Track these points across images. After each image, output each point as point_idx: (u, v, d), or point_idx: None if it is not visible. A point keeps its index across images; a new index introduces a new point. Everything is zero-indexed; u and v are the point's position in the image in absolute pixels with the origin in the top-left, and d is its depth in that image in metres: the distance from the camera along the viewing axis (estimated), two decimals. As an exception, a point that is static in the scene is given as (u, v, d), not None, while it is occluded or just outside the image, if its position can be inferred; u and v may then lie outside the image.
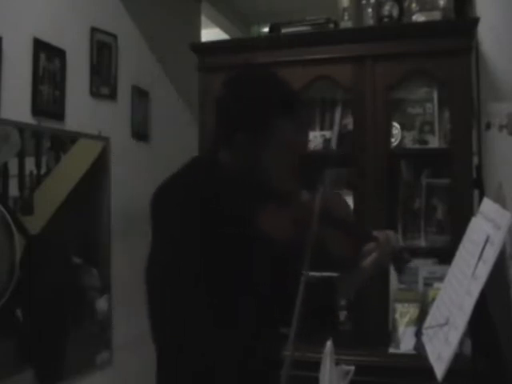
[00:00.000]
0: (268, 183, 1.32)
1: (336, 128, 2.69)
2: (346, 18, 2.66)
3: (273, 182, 1.32)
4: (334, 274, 1.42)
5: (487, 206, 1.36)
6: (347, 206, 1.55)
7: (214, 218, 1.22)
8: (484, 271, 1.16)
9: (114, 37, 2.71)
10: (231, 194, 1.30)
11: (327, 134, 2.69)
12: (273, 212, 1.31)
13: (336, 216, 1.40)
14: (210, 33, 3.89)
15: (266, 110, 1.29)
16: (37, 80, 2.20)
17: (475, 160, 2.45)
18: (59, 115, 2.34)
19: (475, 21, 2.43)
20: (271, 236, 1.28)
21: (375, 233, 1.43)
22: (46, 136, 2.25)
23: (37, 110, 2.20)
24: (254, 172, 1.31)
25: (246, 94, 1.32)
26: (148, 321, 1.28)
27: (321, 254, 1.29)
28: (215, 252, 1.20)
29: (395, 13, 2.59)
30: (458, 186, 2.40)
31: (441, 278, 2.00)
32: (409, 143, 2.57)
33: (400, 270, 1.68)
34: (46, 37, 2.27)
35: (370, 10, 2.62)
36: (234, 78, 1.38)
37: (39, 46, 2.22)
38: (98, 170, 2.55)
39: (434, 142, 2.54)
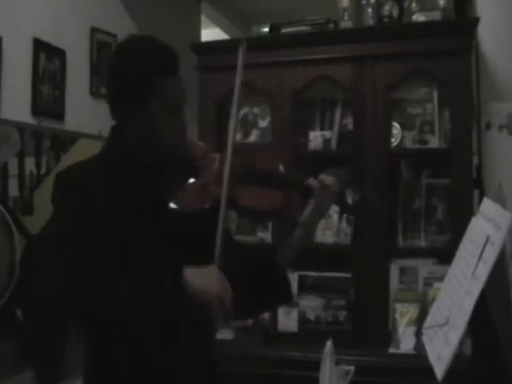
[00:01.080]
0: (168, 146, 1.29)
1: (336, 128, 2.69)
2: (346, 17, 2.66)
3: (172, 143, 1.30)
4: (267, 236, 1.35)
5: (487, 206, 1.36)
6: (273, 159, 1.49)
7: (114, 193, 1.22)
8: (484, 271, 1.16)
9: (114, 37, 2.71)
10: (130, 168, 1.29)
11: (327, 133, 2.69)
12: (177, 181, 1.29)
13: (258, 171, 1.35)
14: (210, 33, 3.89)
15: (144, 73, 1.28)
16: (37, 80, 2.20)
17: (475, 160, 2.45)
18: (59, 115, 2.34)
19: (475, 21, 2.43)
20: (179, 207, 1.26)
21: (311, 180, 1.36)
22: (46, 136, 2.25)
23: (37, 110, 2.20)
24: (152, 138, 1.29)
25: (124, 62, 1.32)
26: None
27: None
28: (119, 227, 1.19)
29: (395, 13, 2.59)
30: (458, 186, 2.40)
31: (441, 278, 2.00)
32: (409, 143, 2.57)
33: (350, 215, 1.56)
34: (46, 37, 2.27)
35: (370, 9, 2.62)
36: (114, 51, 1.39)
37: (39, 46, 2.22)
38: (98, 169, 2.55)
39: (434, 142, 2.54)
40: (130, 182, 1.27)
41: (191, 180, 1.32)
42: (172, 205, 1.26)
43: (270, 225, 2.59)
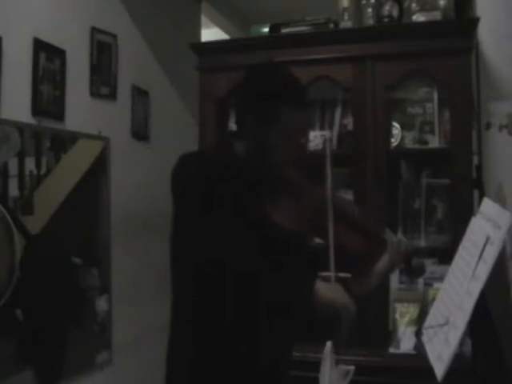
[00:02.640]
0: (277, 172, 1.40)
1: (336, 128, 2.69)
2: (345, 18, 2.66)
3: (281, 171, 1.40)
4: (348, 275, 1.45)
5: (487, 206, 1.36)
6: (352, 204, 1.59)
7: (227, 199, 1.32)
8: (484, 271, 1.16)
9: (114, 37, 2.71)
10: (242, 180, 1.38)
11: (327, 133, 2.68)
12: (282, 202, 1.37)
13: (345, 213, 1.42)
14: (210, 33, 3.89)
15: (273, 98, 1.38)
16: (37, 80, 2.20)
17: (475, 160, 2.45)
18: (59, 115, 2.34)
19: (475, 21, 2.43)
20: (278, 225, 1.33)
21: (388, 235, 1.48)
22: (46, 136, 2.25)
23: (37, 110, 2.20)
24: (264, 160, 1.39)
25: (256, 85, 1.44)
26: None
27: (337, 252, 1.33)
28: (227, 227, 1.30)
29: (395, 13, 2.59)
30: (458, 186, 2.40)
31: (441, 278, 2.00)
32: (409, 143, 2.58)
33: (413, 276, 1.74)
34: (46, 37, 2.27)
35: (369, 9, 2.62)
36: (249, 73, 1.49)
37: (39, 45, 2.22)
38: (98, 170, 2.56)
39: (434, 142, 2.54)
40: (238, 189, 1.36)
41: (294, 203, 1.40)
42: (275, 219, 1.34)
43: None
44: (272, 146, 1.39)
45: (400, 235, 1.55)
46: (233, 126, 1.51)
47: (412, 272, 1.67)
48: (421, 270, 1.59)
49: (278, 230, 1.33)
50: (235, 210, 1.32)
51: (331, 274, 1.32)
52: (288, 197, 1.39)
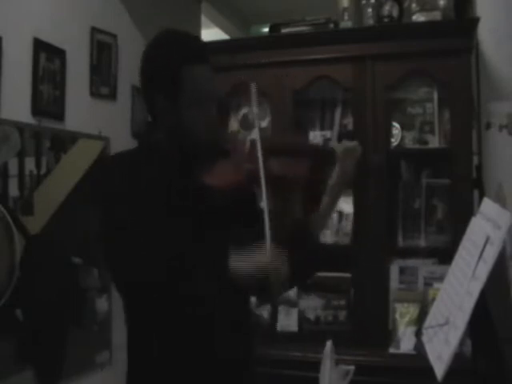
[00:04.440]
0: (197, 137, 1.33)
1: (336, 128, 2.69)
2: (345, 18, 2.66)
3: (202, 134, 1.34)
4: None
5: (487, 206, 1.36)
6: (290, 134, 1.55)
7: (155, 189, 1.27)
8: (484, 271, 1.16)
9: (114, 37, 2.71)
10: (167, 159, 1.33)
11: (327, 133, 2.69)
12: (214, 165, 1.32)
13: (283, 146, 1.40)
14: (210, 33, 3.89)
15: (171, 63, 1.31)
16: (37, 80, 2.20)
17: (475, 160, 2.45)
18: (59, 115, 2.33)
19: (475, 21, 2.43)
20: (219, 189, 1.29)
21: (333, 145, 1.43)
22: (46, 136, 2.25)
23: (37, 110, 2.20)
24: (181, 129, 1.33)
25: (152, 55, 1.36)
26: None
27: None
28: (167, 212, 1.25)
29: (395, 13, 2.59)
30: (458, 186, 2.40)
31: (441, 278, 2.00)
32: (409, 143, 2.58)
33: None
34: (46, 37, 2.27)
35: (369, 9, 2.62)
36: (144, 51, 1.41)
37: (39, 45, 2.22)
38: (98, 169, 2.55)
39: (434, 142, 2.54)
40: (162, 168, 1.31)
41: (225, 161, 1.35)
42: (206, 183, 1.29)
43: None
44: (185, 115, 1.31)
45: (347, 141, 1.46)
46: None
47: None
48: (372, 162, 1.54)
49: (217, 193, 1.28)
50: (164, 199, 1.27)
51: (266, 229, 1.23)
52: (219, 158, 1.34)
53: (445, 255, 2.18)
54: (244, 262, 1.22)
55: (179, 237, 1.26)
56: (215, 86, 1.38)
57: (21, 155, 2.12)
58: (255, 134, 1.32)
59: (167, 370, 1.30)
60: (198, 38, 1.40)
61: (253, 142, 1.33)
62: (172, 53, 1.32)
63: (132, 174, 1.30)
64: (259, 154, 1.28)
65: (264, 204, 1.25)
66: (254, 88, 1.36)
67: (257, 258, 1.22)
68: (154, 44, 1.38)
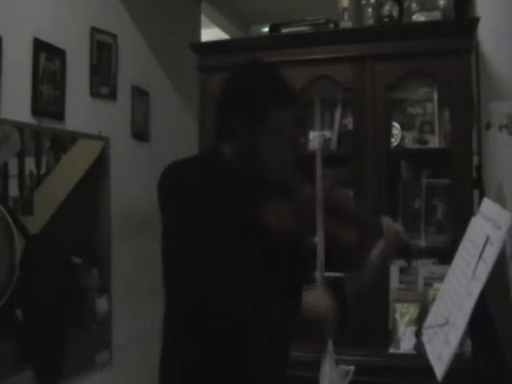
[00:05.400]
0: (266, 173, 1.36)
1: (336, 128, 2.69)
2: (346, 18, 2.66)
3: (271, 172, 1.36)
4: (341, 274, 1.45)
5: (487, 206, 1.36)
6: (348, 199, 1.59)
7: (218, 204, 1.29)
8: (484, 271, 1.16)
9: (114, 37, 2.71)
10: (232, 184, 1.36)
11: (327, 133, 2.69)
12: (274, 203, 1.35)
13: (339, 208, 1.43)
14: (210, 33, 3.89)
15: (261, 100, 1.34)
16: (37, 80, 2.20)
17: (475, 160, 2.45)
18: (59, 115, 2.33)
19: (475, 21, 2.43)
20: (272, 228, 1.31)
21: (384, 222, 1.47)
22: (46, 136, 2.25)
23: (37, 110, 2.20)
24: (253, 161, 1.36)
25: (244, 86, 1.39)
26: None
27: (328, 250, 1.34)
28: (218, 235, 1.28)
29: (395, 13, 2.59)
30: (458, 186, 2.40)
31: (441, 278, 2.00)
32: (409, 143, 2.58)
33: (408, 263, 1.70)
34: (46, 37, 2.27)
35: (369, 9, 2.61)
36: (233, 74, 1.44)
37: (39, 45, 2.22)
38: (98, 170, 2.55)
39: (434, 142, 2.54)
40: (227, 195, 1.34)
41: (284, 204, 1.38)
42: (267, 221, 1.32)
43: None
44: (259, 146, 1.35)
45: (397, 224, 1.52)
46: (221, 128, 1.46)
47: (412, 258, 1.65)
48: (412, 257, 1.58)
49: (271, 233, 1.31)
50: (228, 218, 1.30)
51: (318, 273, 1.32)
52: (282, 198, 1.37)
53: (445, 255, 2.18)
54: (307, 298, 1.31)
55: (250, 266, 1.31)
56: (300, 132, 1.44)
57: (21, 155, 2.12)
58: (318, 188, 1.36)
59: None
60: (286, 79, 1.42)
61: (314, 195, 1.37)
62: (264, 90, 1.35)
63: (200, 188, 1.33)
64: (320, 210, 1.34)
65: (319, 254, 1.33)
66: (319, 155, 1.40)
67: (317, 298, 1.33)
68: (249, 73, 1.42)
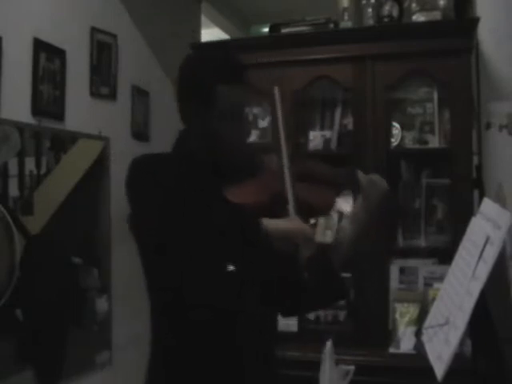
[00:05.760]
0: (228, 153, 1.35)
1: (336, 128, 2.69)
2: (346, 18, 2.66)
3: (233, 151, 1.35)
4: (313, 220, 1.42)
5: (487, 206, 1.36)
6: (323, 165, 1.56)
7: (190, 195, 1.30)
8: (484, 271, 1.16)
9: (114, 37, 2.71)
10: (198, 172, 1.36)
11: (327, 133, 2.69)
12: (239, 182, 1.33)
13: (309, 173, 1.41)
14: (210, 33, 3.89)
15: (207, 80, 1.34)
16: (37, 80, 2.20)
17: (475, 160, 2.45)
18: (59, 115, 2.33)
19: (475, 21, 2.43)
20: (240, 206, 1.30)
21: (360, 176, 1.43)
22: (46, 136, 2.25)
23: (37, 110, 2.20)
24: (212, 144, 1.36)
25: (190, 71, 1.40)
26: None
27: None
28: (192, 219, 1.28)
29: (395, 13, 2.59)
30: (458, 186, 2.40)
31: (441, 278, 2.01)
32: (409, 143, 2.58)
33: (391, 215, 1.66)
34: (46, 37, 2.26)
35: (369, 9, 2.62)
36: (183, 62, 1.43)
37: (39, 45, 2.22)
38: (98, 170, 2.55)
39: (434, 142, 2.55)
40: (195, 180, 1.35)
41: (252, 180, 1.37)
42: (233, 199, 1.30)
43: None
44: (216, 127, 1.34)
45: (374, 175, 1.47)
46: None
47: (396, 213, 1.61)
48: (396, 211, 1.54)
49: (246, 213, 1.29)
50: (203, 208, 1.30)
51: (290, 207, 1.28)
52: (247, 176, 1.36)
53: (445, 255, 2.19)
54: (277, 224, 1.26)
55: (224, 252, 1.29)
56: (248, 102, 1.41)
57: (21, 155, 2.11)
58: (283, 148, 1.34)
59: None
60: (236, 55, 1.42)
61: (281, 162, 1.35)
62: (210, 70, 1.35)
63: (169, 180, 1.33)
64: (287, 176, 1.32)
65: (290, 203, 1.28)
66: (277, 92, 1.38)
67: (283, 223, 1.26)
68: (195, 57, 1.43)
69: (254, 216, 1.29)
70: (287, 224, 1.27)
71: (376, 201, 1.44)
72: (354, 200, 1.46)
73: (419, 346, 2.16)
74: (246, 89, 1.39)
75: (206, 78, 1.34)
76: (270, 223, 1.25)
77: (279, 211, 1.30)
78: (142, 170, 1.39)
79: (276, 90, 1.39)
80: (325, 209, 1.44)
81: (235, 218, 1.29)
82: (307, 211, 1.35)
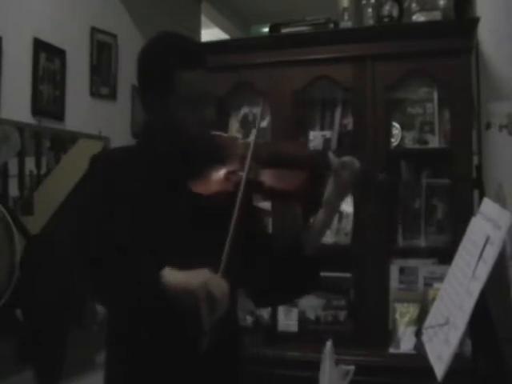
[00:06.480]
0: (188, 136, 1.33)
1: (336, 128, 2.69)
2: (346, 18, 2.66)
3: (192, 134, 1.33)
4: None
5: (487, 206, 1.36)
6: (297, 144, 1.52)
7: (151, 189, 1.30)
8: (484, 271, 1.16)
9: (114, 37, 2.71)
10: (159, 162, 1.35)
11: (327, 133, 2.69)
12: (202, 168, 1.32)
13: (279, 154, 1.39)
14: (210, 33, 3.89)
15: (163, 66, 1.33)
16: (37, 80, 2.20)
17: (475, 160, 2.45)
18: (59, 115, 2.34)
19: (475, 21, 2.43)
20: (200, 193, 1.28)
21: (330, 157, 1.38)
22: (46, 136, 2.25)
23: (37, 110, 2.20)
24: (173, 131, 1.34)
25: (146, 59, 1.39)
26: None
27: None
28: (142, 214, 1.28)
29: (395, 13, 2.59)
30: (458, 186, 2.40)
31: (441, 278, 2.00)
32: (409, 143, 2.58)
33: (368, 190, 1.59)
34: (46, 37, 2.27)
35: (370, 9, 2.61)
36: (139, 52, 1.42)
37: (39, 45, 2.22)
38: (98, 169, 2.55)
39: (434, 142, 2.54)
40: (155, 169, 1.34)
41: (217, 167, 1.34)
42: (195, 190, 1.29)
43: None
44: (175, 113, 1.32)
45: (346, 157, 1.40)
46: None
47: (371, 188, 1.53)
48: (388, 184, 1.45)
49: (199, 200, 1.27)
50: (149, 201, 1.29)
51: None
52: (210, 163, 1.34)
53: (445, 255, 2.18)
54: (174, 275, 1.16)
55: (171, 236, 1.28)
56: (209, 89, 1.37)
57: (21, 155, 2.11)
58: (252, 140, 1.31)
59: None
60: (194, 41, 1.41)
61: (247, 150, 1.31)
62: (166, 56, 1.34)
63: (128, 172, 1.33)
64: (247, 166, 1.27)
65: (231, 226, 1.21)
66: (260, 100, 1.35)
67: (189, 277, 1.15)
68: (150, 44, 1.40)
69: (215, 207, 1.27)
70: (189, 279, 1.14)
71: (348, 183, 1.38)
72: (326, 182, 1.41)
73: (419, 346, 2.16)
74: (206, 75, 1.37)
75: (162, 64, 1.33)
76: (171, 275, 1.15)
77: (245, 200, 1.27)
78: (95, 162, 1.38)
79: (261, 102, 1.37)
80: (297, 193, 1.38)
81: (190, 208, 1.28)
82: (280, 198, 1.32)
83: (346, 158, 1.38)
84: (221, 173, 1.33)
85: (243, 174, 1.27)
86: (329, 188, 1.39)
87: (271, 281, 1.41)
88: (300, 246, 1.42)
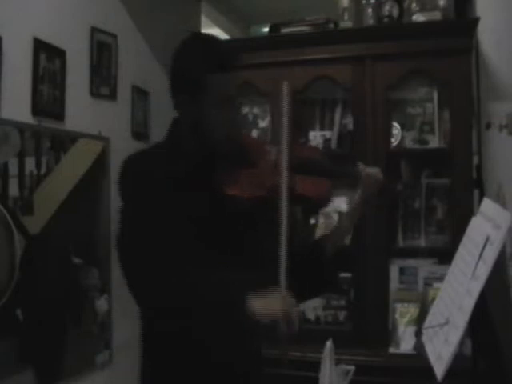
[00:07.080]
0: (219, 142, 1.36)
1: (336, 128, 2.69)
2: (345, 18, 2.66)
3: (222, 134, 1.36)
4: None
5: (487, 205, 1.36)
6: (317, 150, 1.55)
7: (178, 185, 1.31)
8: (484, 271, 1.16)
9: (114, 37, 2.71)
10: (189, 165, 1.36)
11: (327, 133, 2.69)
12: (231, 170, 1.33)
13: (308, 162, 1.41)
14: (210, 33, 3.88)
15: (195, 69, 1.36)
16: (37, 80, 2.20)
17: (475, 160, 2.45)
18: (59, 115, 2.33)
19: (475, 21, 2.43)
20: (234, 195, 1.30)
21: (359, 168, 1.45)
22: (46, 136, 2.25)
23: (37, 110, 2.20)
24: (203, 133, 1.37)
25: (179, 61, 1.41)
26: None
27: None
28: (184, 218, 1.30)
29: (395, 13, 2.59)
30: (458, 186, 2.40)
31: (441, 278, 2.00)
32: (409, 143, 2.58)
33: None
34: (46, 37, 2.26)
35: (370, 9, 2.62)
36: (173, 53, 1.44)
37: (39, 45, 2.22)
38: (98, 169, 2.55)
39: (434, 142, 2.55)
40: (185, 172, 1.35)
41: (247, 170, 1.36)
42: (227, 192, 1.31)
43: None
44: (206, 116, 1.35)
45: (371, 167, 1.48)
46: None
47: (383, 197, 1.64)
48: (391, 192, 1.56)
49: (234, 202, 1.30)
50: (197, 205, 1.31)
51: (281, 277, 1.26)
52: (241, 166, 1.36)
53: (445, 255, 2.19)
54: (258, 303, 1.25)
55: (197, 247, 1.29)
56: (234, 92, 1.40)
57: (21, 155, 2.11)
58: (283, 147, 1.32)
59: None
60: (227, 44, 1.43)
61: (279, 155, 1.33)
62: (201, 58, 1.36)
63: (157, 174, 1.35)
64: (284, 173, 1.29)
65: (282, 240, 1.25)
66: (285, 88, 1.36)
67: (270, 304, 1.26)
68: (185, 45, 1.43)
69: (243, 208, 1.30)
70: (274, 307, 1.26)
71: (372, 192, 1.46)
72: (352, 193, 1.47)
73: (419, 346, 2.16)
74: (236, 78, 1.40)
75: (194, 67, 1.36)
76: (257, 304, 1.24)
77: (273, 205, 1.29)
78: (128, 174, 1.42)
79: (285, 86, 1.38)
80: (321, 201, 1.45)
81: (220, 209, 1.30)
82: (306, 203, 1.35)
83: (373, 169, 1.46)
84: (254, 176, 1.35)
85: (282, 182, 1.29)
86: (356, 198, 1.47)
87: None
88: (321, 251, 1.49)
